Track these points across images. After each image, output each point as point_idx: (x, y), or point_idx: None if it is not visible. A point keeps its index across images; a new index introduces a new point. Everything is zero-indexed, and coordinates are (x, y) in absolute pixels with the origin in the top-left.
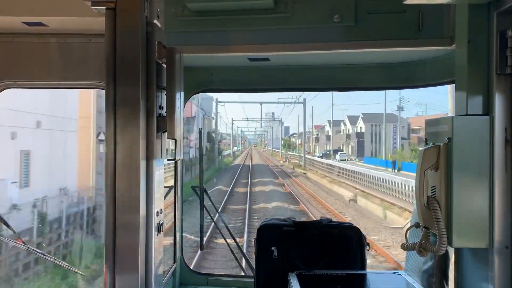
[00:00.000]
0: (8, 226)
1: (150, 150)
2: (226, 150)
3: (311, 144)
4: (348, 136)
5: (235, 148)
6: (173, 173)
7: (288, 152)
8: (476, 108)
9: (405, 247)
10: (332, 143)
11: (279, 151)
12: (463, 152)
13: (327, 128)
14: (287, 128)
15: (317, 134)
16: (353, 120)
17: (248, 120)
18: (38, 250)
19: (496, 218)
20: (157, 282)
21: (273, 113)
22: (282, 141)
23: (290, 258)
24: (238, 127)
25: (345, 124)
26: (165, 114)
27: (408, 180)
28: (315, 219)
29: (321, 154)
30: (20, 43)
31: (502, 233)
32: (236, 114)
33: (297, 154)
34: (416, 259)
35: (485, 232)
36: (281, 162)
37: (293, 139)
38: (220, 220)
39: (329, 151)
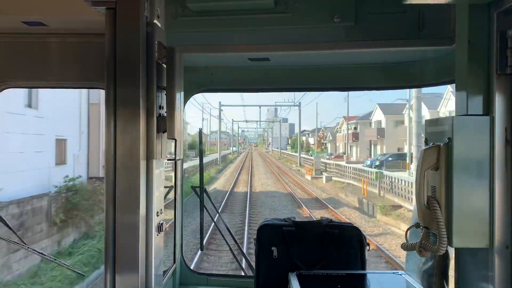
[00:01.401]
0: (8, 226)
1: (150, 150)
2: (210, 154)
3: (337, 144)
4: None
5: (230, 149)
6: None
7: (323, 159)
8: (476, 108)
9: (405, 247)
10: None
11: (287, 152)
12: (463, 152)
13: (378, 117)
14: (292, 126)
15: (355, 129)
16: (431, 101)
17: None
18: (38, 250)
19: (496, 218)
20: (157, 282)
21: (276, 109)
22: (290, 141)
23: (290, 258)
24: (233, 120)
25: (412, 110)
26: (165, 114)
27: None
28: (315, 219)
29: (375, 161)
30: (20, 43)
31: (502, 233)
32: (235, 115)
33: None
34: (416, 259)
35: (485, 232)
36: (309, 177)
37: (303, 138)
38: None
39: (391, 155)
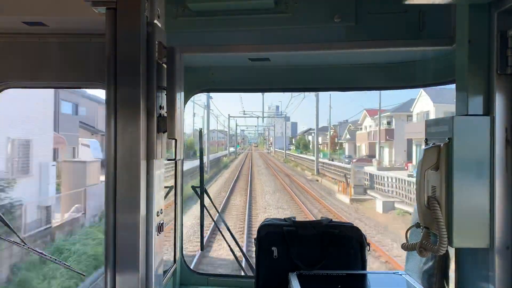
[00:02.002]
0: (8, 226)
1: (150, 150)
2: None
3: (358, 144)
4: None
5: (228, 150)
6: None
7: (339, 163)
8: (477, 108)
9: (406, 247)
10: None
11: (293, 153)
12: (463, 152)
13: (424, 107)
14: (294, 124)
15: (388, 124)
16: None
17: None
18: (38, 250)
19: (496, 218)
20: (157, 282)
21: (277, 106)
22: (294, 141)
23: (291, 258)
24: (229, 116)
25: None
26: (165, 114)
27: None
28: (315, 219)
29: None
30: (21, 43)
31: (502, 233)
32: (232, 110)
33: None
34: (416, 259)
35: (486, 232)
36: (345, 197)
37: (309, 137)
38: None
39: None
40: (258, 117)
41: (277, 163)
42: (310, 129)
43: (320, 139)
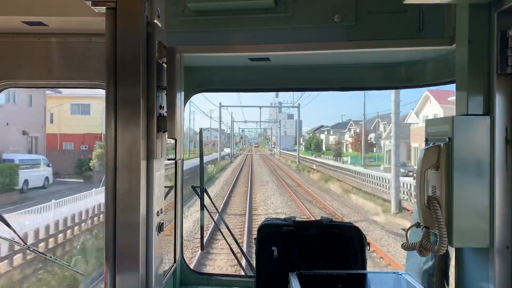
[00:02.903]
0: (9, 226)
1: (151, 150)
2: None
3: (416, 145)
4: None
5: (223, 152)
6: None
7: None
8: (477, 108)
9: (406, 246)
10: None
11: (307, 156)
12: (463, 152)
13: None
14: (299, 123)
15: None
16: None
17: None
18: (38, 250)
19: (496, 218)
20: (158, 282)
21: (280, 103)
22: (302, 140)
23: (291, 258)
24: (221, 105)
25: None
26: (165, 114)
27: None
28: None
29: None
30: (21, 43)
31: (502, 233)
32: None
33: None
34: (416, 259)
35: (486, 232)
36: None
37: (321, 136)
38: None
39: None
40: (260, 107)
41: (290, 173)
42: (322, 126)
43: (332, 138)
